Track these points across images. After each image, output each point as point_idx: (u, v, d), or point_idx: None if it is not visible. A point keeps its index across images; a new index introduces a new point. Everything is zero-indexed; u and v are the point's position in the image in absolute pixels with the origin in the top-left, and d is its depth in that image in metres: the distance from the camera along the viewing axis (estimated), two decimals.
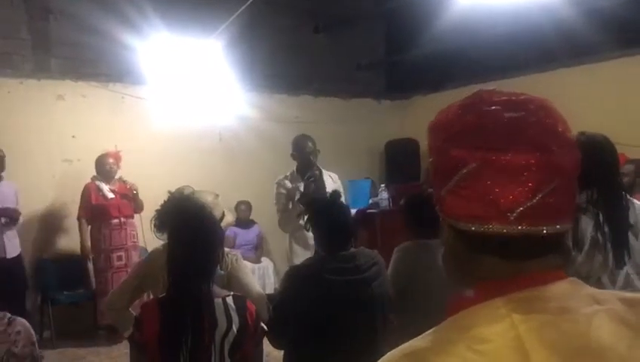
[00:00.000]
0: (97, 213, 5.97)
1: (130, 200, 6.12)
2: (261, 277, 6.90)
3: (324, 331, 2.53)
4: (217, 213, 2.97)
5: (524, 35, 6.60)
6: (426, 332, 0.79)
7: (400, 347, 0.79)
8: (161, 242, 2.99)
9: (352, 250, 2.63)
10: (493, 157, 0.77)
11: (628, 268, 2.45)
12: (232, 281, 2.81)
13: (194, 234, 2.15)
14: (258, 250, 7.41)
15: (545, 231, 0.77)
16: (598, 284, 2.46)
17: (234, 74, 7.08)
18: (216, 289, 2.20)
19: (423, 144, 7.06)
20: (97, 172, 6.13)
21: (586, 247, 2.46)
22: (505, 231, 0.77)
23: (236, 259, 2.87)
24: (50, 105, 6.40)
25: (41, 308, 6.08)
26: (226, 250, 2.93)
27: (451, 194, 0.81)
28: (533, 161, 0.76)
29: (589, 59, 6.29)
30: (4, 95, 6.15)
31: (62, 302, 6.08)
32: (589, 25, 5.68)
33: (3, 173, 5.68)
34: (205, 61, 6.61)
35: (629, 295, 0.83)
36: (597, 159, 2.55)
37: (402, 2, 7.71)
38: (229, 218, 3.07)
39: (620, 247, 2.44)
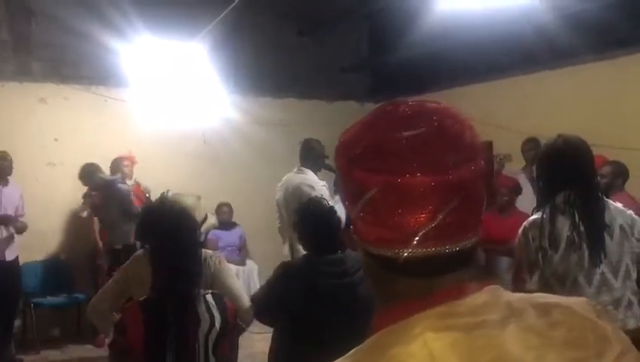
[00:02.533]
0: None
1: (142, 202, 6.18)
2: (246, 280, 6.89)
3: (309, 332, 2.55)
4: (200, 216, 2.98)
5: (505, 38, 6.67)
6: (349, 353, 0.80)
7: None
8: None
9: (340, 253, 2.65)
10: (392, 182, 0.77)
11: (603, 268, 2.50)
12: (216, 283, 2.80)
13: (178, 239, 2.18)
14: (242, 251, 7.40)
15: (448, 251, 0.78)
16: (575, 284, 2.51)
17: (218, 76, 7.08)
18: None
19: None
20: (113, 173, 6.26)
21: (562, 247, 2.50)
22: (411, 254, 0.77)
23: (219, 261, 2.88)
24: (33, 108, 6.38)
25: (23, 311, 6.03)
26: (210, 251, 2.94)
27: (360, 218, 0.82)
28: (431, 183, 0.76)
29: (569, 62, 6.36)
30: None
31: (46, 306, 6.03)
32: (569, 29, 5.76)
33: (9, 177, 5.70)
34: (189, 64, 6.60)
35: (542, 300, 0.84)
36: (573, 161, 2.61)
37: (385, 5, 7.76)
38: (212, 220, 3.08)
39: (596, 247, 2.49)
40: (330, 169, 4.88)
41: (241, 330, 2.41)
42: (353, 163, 0.82)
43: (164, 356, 2.05)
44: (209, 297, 2.22)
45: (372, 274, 0.86)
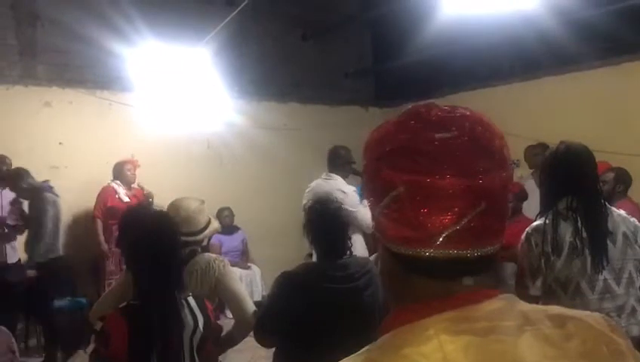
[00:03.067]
0: (111, 215, 6.02)
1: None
2: (249, 284, 6.89)
3: (313, 338, 2.52)
4: (203, 220, 2.98)
5: (509, 44, 6.68)
6: (360, 351, 0.80)
7: None
8: None
9: (346, 258, 2.62)
10: (420, 181, 0.77)
11: (606, 274, 2.50)
12: (219, 287, 2.80)
13: (158, 243, 2.16)
14: (244, 255, 7.40)
15: (470, 255, 0.78)
16: (577, 290, 2.51)
17: (222, 81, 7.11)
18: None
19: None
20: (115, 177, 6.27)
21: (565, 253, 2.51)
22: (432, 254, 0.78)
23: (223, 265, 2.85)
24: (37, 111, 6.39)
25: (27, 315, 6.03)
26: (213, 255, 2.93)
27: (383, 216, 0.82)
28: (459, 186, 0.77)
29: (573, 68, 6.36)
30: None
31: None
32: (573, 34, 5.76)
33: None
34: (193, 68, 6.63)
35: (558, 311, 0.84)
36: (576, 167, 2.62)
37: (389, 11, 7.77)
38: (215, 224, 3.06)
39: (598, 253, 2.49)
40: (358, 174, 4.91)
41: (221, 330, 2.41)
42: (382, 161, 0.83)
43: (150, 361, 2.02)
44: (190, 299, 2.22)
45: (390, 272, 0.87)
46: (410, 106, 0.88)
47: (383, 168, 0.82)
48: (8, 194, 5.68)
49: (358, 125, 8.61)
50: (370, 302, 2.61)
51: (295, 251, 7.16)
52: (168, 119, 7.03)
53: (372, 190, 0.85)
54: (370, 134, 0.88)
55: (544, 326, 0.79)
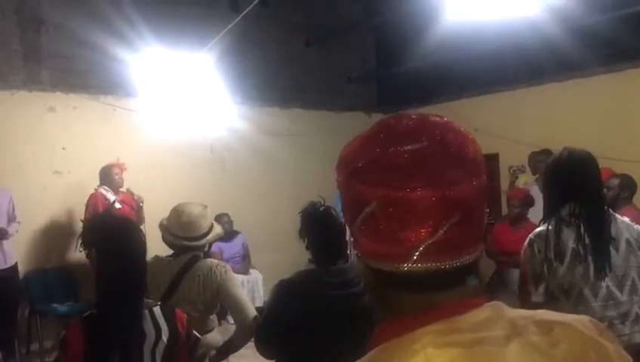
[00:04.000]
0: None
1: (135, 210, 6.13)
2: (250, 290, 6.88)
3: (312, 346, 2.50)
4: (206, 225, 2.98)
5: (512, 50, 6.69)
6: None
7: None
8: (157, 253, 3.01)
9: (343, 264, 2.60)
10: (393, 196, 0.76)
11: (608, 281, 2.49)
12: (221, 293, 2.80)
13: (120, 250, 2.08)
14: (245, 260, 7.38)
15: (448, 266, 0.77)
16: (580, 296, 2.50)
17: (226, 86, 7.11)
18: (144, 301, 2.15)
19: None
20: (102, 182, 6.11)
21: (567, 259, 2.50)
22: (410, 269, 0.77)
23: (225, 271, 2.85)
24: (41, 116, 6.41)
25: (29, 320, 6.04)
26: (215, 261, 2.93)
27: (360, 232, 0.81)
28: (431, 198, 0.75)
29: (576, 75, 6.36)
30: None
31: (51, 314, 6.04)
32: (576, 41, 5.76)
33: None
34: (197, 74, 6.64)
35: (544, 317, 0.83)
36: (579, 173, 2.61)
37: (392, 17, 7.79)
38: (218, 229, 3.07)
39: (601, 260, 2.48)
40: None
41: (198, 341, 2.28)
42: (354, 176, 0.82)
43: None
44: (156, 309, 2.14)
45: (372, 288, 0.86)
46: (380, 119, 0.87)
47: (355, 184, 0.81)
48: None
49: (360, 131, 8.61)
50: (369, 308, 2.58)
51: (297, 256, 7.09)
52: (172, 124, 7.04)
53: (347, 206, 0.84)
54: (343, 150, 0.87)
55: (531, 333, 0.78)
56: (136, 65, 6.47)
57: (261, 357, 2.67)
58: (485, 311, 0.79)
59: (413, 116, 0.84)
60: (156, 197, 6.34)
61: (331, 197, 5.37)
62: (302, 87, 8.24)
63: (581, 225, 2.51)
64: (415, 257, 0.76)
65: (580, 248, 2.48)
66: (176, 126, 7.07)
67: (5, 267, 5.59)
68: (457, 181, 0.77)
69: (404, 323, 0.79)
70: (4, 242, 5.60)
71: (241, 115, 7.48)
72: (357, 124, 8.63)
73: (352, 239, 0.85)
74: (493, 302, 0.82)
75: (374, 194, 0.78)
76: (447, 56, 7.08)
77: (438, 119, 0.83)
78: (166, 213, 3.06)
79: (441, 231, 0.76)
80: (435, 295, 0.80)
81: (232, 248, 7.27)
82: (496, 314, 0.80)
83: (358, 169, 0.81)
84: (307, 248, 2.67)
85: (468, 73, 7.36)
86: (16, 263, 5.75)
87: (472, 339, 0.75)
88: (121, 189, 6.23)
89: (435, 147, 0.79)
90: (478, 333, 0.76)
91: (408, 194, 0.76)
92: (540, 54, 6.42)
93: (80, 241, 2.37)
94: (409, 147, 0.78)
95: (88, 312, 2.08)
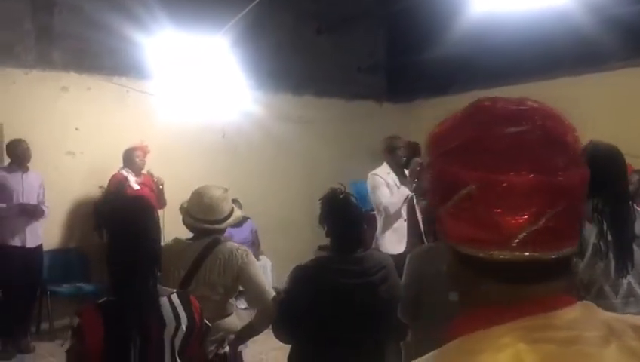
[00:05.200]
0: None
1: (155, 193, 6.16)
2: None
3: (328, 333, 2.51)
4: (227, 208, 2.98)
5: (531, 41, 6.57)
6: (429, 354, 0.76)
7: None
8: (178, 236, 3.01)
9: (361, 252, 2.60)
10: (494, 179, 0.73)
11: (630, 278, 2.48)
12: (243, 277, 2.78)
13: (136, 232, 2.02)
14: (255, 245, 7.38)
15: (546, 258, 0.74)
16: (601, 293, 2.49)
17: (239, 71, 7.10)
18: (160, 287, 2.10)
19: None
20: (125, 164, 6.19)
21: (588, 255, 2.48)
22: (507, 257, 0.73)
23: (246, 255, 2.83)
24: (55, 96, 6.40)
25: (39, 299, 6.08)
26: (236, 245, 2.91)
27: (450, 215, 0.78)
28: (536, 184, 0.72)
29: (598, 68, 6.25)
30: (9, 85, 6.14)
31: (62, 294, 6.07)
32: (599, 33, 5.64)
33: (29, 164, 5.74)
34: (211, 58, 6.62)
35: (639, 322, 0.78)
36: (604, 168, 2.58)
37: (404, 6, 7.74)
38: (238, 213, 3.05)
39: (623, 257, 2.46)
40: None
41: (208, 330, 2.24)
42: (448, 157, 0.79)
43: (129, 360, 1.91)
44: (174, 297, 2.09)
45: (457, 275, 0.82)
46: (477, 99, 0.83)
47: (450, 165, 0.77)
48: (30, 179, 5.72)
49: (371, 120, 8.64)
50: (387, 298, 2.59)
51: (307, 243, 7.16)
52: (185, 107, 7.03)
53: (437, 188, 0.81)
54: (434, 129, 0.84)
55: (629, 337, 0.74)
56: (151, 48, 6.45)
57: (273, 340, 2.68)
58: (578, 309, 0.76)
59: (510, 99, 0.81)
60: (166, 180, 6.36)
61: (344, 184, 5.38)
62: (313, 74, 8.21)
63: (604, 222, 2.49)
64: (514, 244, 0.73)
65: (602, 244, 2.47)
66: (189, 109, 7.07)
67: (32, 246, 5.66)
68: (564, 168, 0.75)
69: (491, 314, 0.75)
70: (35, 223, 5.66)
71: (254, 101, 7.46)
72: (368, 112, 8.65)
73: (438, 224, 0.82)
74: (585, 302, 0.79)
75: (473, 176, 0.74)
76: (461, 47, 7.01)
77: (537, 104, 0.80)
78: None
79: (544, 220, 0.72)
80: (528, 287, 0.76)
81: (241, 233, 7.27)
82: (590, 314, 0.76)
83: (453, 150, 0.78)
84: (326, 235, 2.66)
85: (482, 64, 7.29)
86: (41, 244, 5.79)
87: (567, 337, 0.71)
88: (142, 172, 6.30)
89: (537, 132, 0.76)
90: (573, 332, 0.72)
91: (512, 178, 0.72)
92: (561, 46, 6.32)
93: (95, 223, 2.33)
94: (511, 130, 0.75)
95: (104, 299, 2.02)
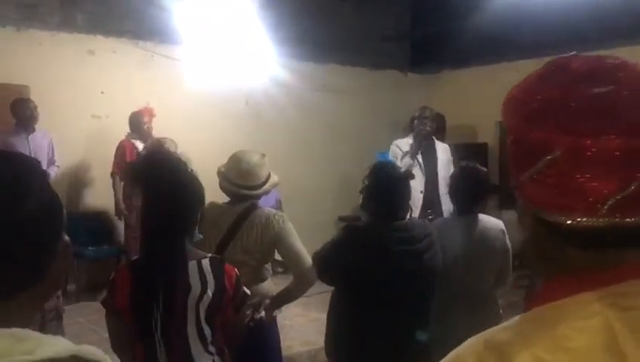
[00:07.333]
0: None
1: None
2: None
3: (373, 295, 2.54)
4: (264, 174, 2.95)
5: (558, 12, 6.40)
6: (508, 324, 0.75)
7: (480, 337, 0.75)
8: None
9: (407, 220, 2.61)
10: (582, 144, 0.70)
11: None
12: (280, 243, 2.77)
13: (166, 190, 2.01)
14: None
15: (635, 224, 0.70)
16: None
17: (264, 37, 7.02)
18: (193, 250, 2.09)
19: (450, 119, 6.98)
20: (132, 130, 6.05)
21: None
22: (594, 224, 0.70)
23: (283, 221, 2.81)
24: (80, 59, 6.38)
25: None
26: (272, 211, 2.89)
27: (534, 181, 0.75)
28: (626, 148, 0.69)
29: (626, 42, 6.12)
30: (34, 46, 6.12)
31: (87, 256, 6.13)
32: (629, 7, 5.51)
33: (36, 125, 5.72)
34: (236, 23, 6.55)
35: None
36: None
37: None
38: (275, 178, 3.03)
39: None
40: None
41: (245, 298, 2.20)
42: (530, 121, 0.75)
43: (151, 320, 1.95)
44: (205, 262, 2.06)
45: (538, 243, 0.79)
46: (554, 59, 0.79)
47: (533, 129, 0.74)
48: (37, 139, 5.70)
49: (396, 90, 8.55)
50: (430, 266, 2.62)
51: (327, 214, 7.16)
52: (209, 73, 6.98)
53: (519, 153, 0.78)
54: (510, 92, 0.80)
55: None
56: (177, 12, 6.38)
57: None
58: None
59: (590, 57, 0.77)
60: (188, 145, 6.32)
61: (367, 155, 5.34)
62: (338, 42, 8.10)
63: None
64: (603, 211, 0.70)
65: None
66: (213, 74, 7.02)
67: None
68: None
69: (576, 281, 0.73)
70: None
71: (279, 67, 7.38)
72: (392, 82, 8.55)
73: (518, 190, 0.79)
74: None
75: (559, 141, 0.71)
76: (489, 16, 6.86)
77: (618, 61, 0.76)
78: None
79: (634, 185, 0.69)
80: (615, 253, 0.73)
81: (267, 202, 7.24)
82: None
83: (534, 111, 0.75)
84: (362, 206, 2.67)
85: (511, 35, 7.14)
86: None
87: None
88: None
89: (624, 92, 0.72)
90: None
91: (602, 143, 0.69)
92: (592, 18, 6.16)
93: (129, 186, 2.31)
94: (596, 90, 0.72)
95: (136, 257, 2.10)
